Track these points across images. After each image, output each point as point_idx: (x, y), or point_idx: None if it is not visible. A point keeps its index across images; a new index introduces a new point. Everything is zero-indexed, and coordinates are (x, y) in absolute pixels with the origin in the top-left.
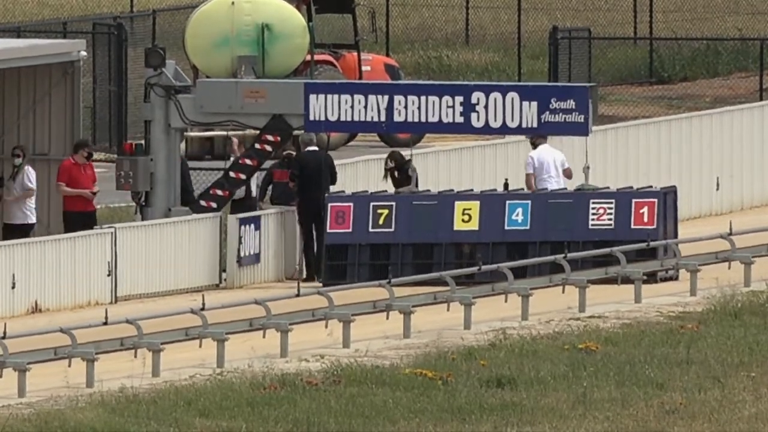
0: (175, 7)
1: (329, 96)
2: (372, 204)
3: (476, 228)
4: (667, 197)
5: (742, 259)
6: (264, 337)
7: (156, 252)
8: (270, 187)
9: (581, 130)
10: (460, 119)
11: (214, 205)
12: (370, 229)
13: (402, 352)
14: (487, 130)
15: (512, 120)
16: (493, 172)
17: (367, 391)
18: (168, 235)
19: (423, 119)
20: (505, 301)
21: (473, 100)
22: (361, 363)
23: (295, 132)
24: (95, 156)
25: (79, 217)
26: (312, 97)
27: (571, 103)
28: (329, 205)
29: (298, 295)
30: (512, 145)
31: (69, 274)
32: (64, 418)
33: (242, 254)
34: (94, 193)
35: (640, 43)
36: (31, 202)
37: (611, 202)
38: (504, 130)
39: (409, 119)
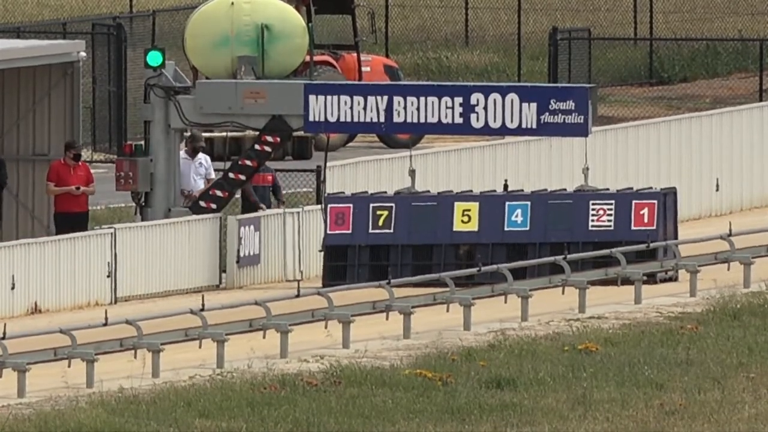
0: (175, 7)
1: (329, 97)
2: (371, 205)
3: (476, 229)
4: (667, 198)
5: (742, 259)
6: (264, 337)
7: (156, 253)
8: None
9: (581, 131)
10: (459, 120)
11: (213, 206)
12: (370, 230)
13: (402, 353)
14: (486, 130)
15: (512, 121)
16: (492, 173)
17: (367, 392)
18: (168, 236)
19: (422, 120)
20: (505, 302)
21: (472, 101)
22: (361, 364)
23: None
24: (95, 157)
25: (68, 218)
26: (311, 98)
27: (570, 104)
28: (329, 206)
29: (298, 296)
30: (512, 146)
31: (69, 275)
32: (64, 418)
33: (242, 255)
34: (79, 189)
35: (639, 44)
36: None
37: (611, 203)
38: (503, 131)
39: (409, 120)
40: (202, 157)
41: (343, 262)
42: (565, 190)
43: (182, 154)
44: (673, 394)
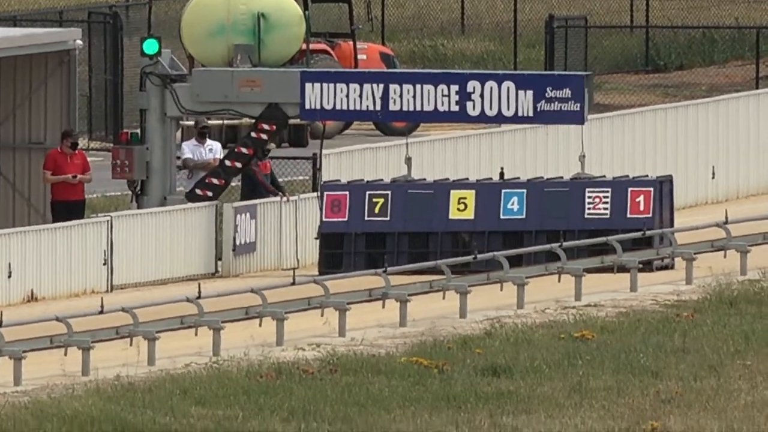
0: None
1: (325, 85)
2: (368, 193)
3: (472, 217)
4: (663, 186)
5: (738, 247)
6: (260, 325)
7: (152, 241)
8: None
9: (577, 118)
10: (455, 108)
11: (210, 193)
12: (366, 218)
13: (398, 341)
14: (482, 118)
15: (508, 109)
16: (488, 160)
17: (363, 380)
18: (164, 224)
19: (418, 108)
20: (501, 289)
21: (469, 89)
22: (357, 351)
23: None
24: (91, 145)
25: (65, 207)
26: (308, 86)
27: (566, 92)
28: (325, 193)
29: (293, 284)
30: (508, 134)
31: (65, 263)
32: (60, 406)
33: (238, 243)
34: (75, 177)
35: (636, 32)
36: None
37: (607, 191)
38: (499, 118)
39: (405, 108)
40: (212, 143)
41: (339, 250)
42: (561, 178)
43: (192, 141)
44: (669, 382)
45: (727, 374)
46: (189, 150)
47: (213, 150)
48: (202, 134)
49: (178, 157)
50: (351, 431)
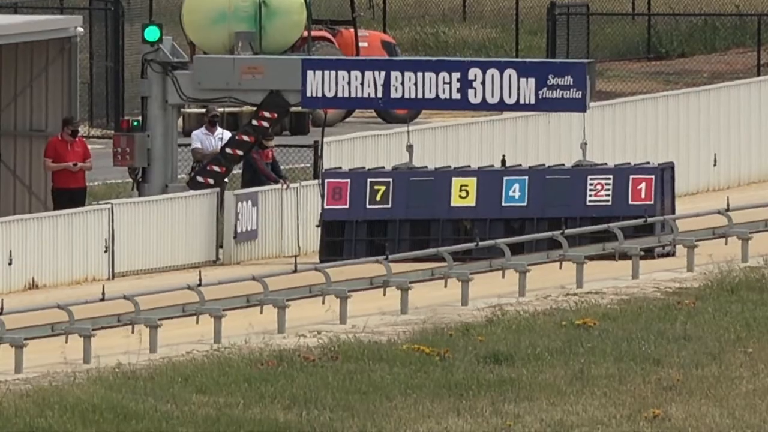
0: None
1: (326, 72)
2: (369, 180)
3: (473, 204)
4: (665, 173)
5: (740, 234)
6: (261, 313)
7: (153, 228)
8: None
9: (579, 106)
10: (457, 95)
11: (211, 181)
12: (368, 206)
13: (399, 328)
14: (484, 106)
15: (510, 96)
16: (490, 148)
17: (365, 367)
18: (165, 212)
19: (420, 95)
20: (503, 277)
21: (470, 77)
22: (359, 339)
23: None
24: (92, 132)
25: (66, 194)
26: (309, 74)
27: (568, 79)
28: (326, 181)
29: (295, 271)
30: (510, 122)
31: (66, 251)
32: (62, 394)
33: (239, 230)
34: (76, 165)
35: (638, 19)
36: None
37: (609, 178)
38: (501, 106)
39: (406, 95)
40: (222, 132)
41: (340, 238)
42: (562, 165)
43: (203, 129)
44: (670, 370)
45: (729, 362)
46: (198, 139)
47: (223, 139)
48: (212, 123)
49: (187, 145)
50: (352, 418)
